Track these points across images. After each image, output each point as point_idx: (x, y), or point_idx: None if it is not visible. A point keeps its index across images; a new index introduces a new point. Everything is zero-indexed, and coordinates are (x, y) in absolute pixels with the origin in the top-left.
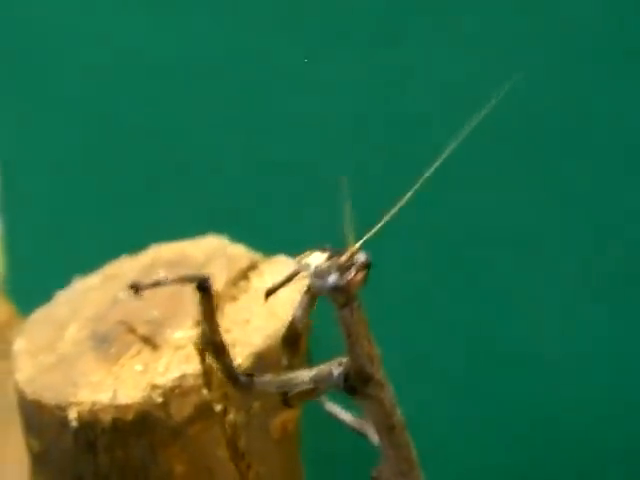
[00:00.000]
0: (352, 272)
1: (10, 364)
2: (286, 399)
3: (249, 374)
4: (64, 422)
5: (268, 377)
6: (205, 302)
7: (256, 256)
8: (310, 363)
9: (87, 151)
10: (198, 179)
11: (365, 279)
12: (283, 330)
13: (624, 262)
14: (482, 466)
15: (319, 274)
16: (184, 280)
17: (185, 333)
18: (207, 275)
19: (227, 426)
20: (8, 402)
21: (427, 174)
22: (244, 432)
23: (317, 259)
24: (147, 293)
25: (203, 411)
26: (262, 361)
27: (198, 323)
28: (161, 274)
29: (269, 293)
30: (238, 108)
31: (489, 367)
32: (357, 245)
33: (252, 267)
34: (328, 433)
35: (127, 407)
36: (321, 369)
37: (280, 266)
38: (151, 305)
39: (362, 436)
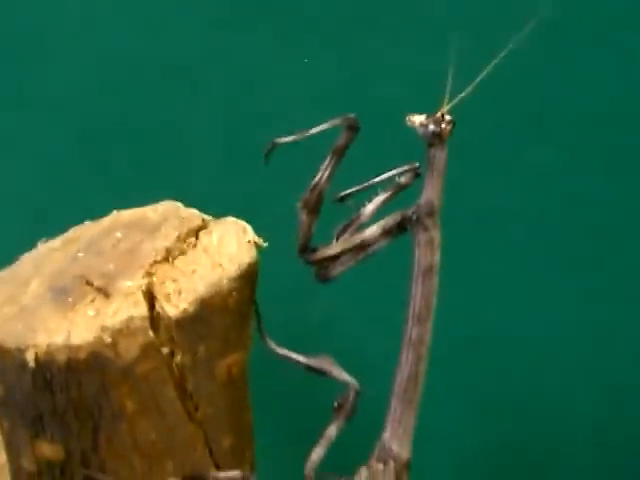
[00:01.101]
0: (444, 124)
1: None
2: (324, 274)
3: (314, 249)
4: (23, 364)
5: (333, 245)
6: (346, 139)
7: (207, 217)
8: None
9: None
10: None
11: (452, 131)
12: None
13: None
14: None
15: (423, 125)
16: (333, 124)
17: (135, 282)
18: (355, 115)
19: (175, 368)
20: None
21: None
22: (191, 374)
23: (419, 117)
24: (106, 250)
25: (149, 352)
26: (205, 307)
27: (149, 274)
28: (119, 234)
29: (342, 198)
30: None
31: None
32: (446, 108)
33: (202, 227)
34: (279, 379)
35: (79, 347)
36: (388, 217)
37: (228, 226)
38: (108, 260)
39: (320, 373)
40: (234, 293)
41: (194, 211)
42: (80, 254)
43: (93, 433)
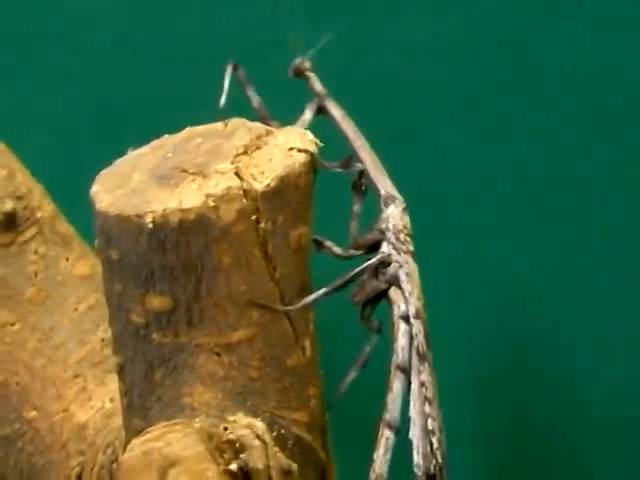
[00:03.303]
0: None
1: (61, 251)
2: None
3: None
4: (141, 228)
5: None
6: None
7: (269, 127)
8: None
9: None
10: None
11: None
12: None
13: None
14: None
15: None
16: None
17: (227, 165)
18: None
19: (260, 232)
20: (61, 279)
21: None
22: (271, 239)
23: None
24: (191, 150)
25: (242, 216)
26: (283, 184)
27: (234, 161)
28: (199, 140)
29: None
30: None
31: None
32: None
33: (268, 133)
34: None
35: (189, 210)
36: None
37: (289, 130)
38: (195, 156)
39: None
40: (303, 175)
41: (258, 123)
42: (169, 154)
43: (196, 285)
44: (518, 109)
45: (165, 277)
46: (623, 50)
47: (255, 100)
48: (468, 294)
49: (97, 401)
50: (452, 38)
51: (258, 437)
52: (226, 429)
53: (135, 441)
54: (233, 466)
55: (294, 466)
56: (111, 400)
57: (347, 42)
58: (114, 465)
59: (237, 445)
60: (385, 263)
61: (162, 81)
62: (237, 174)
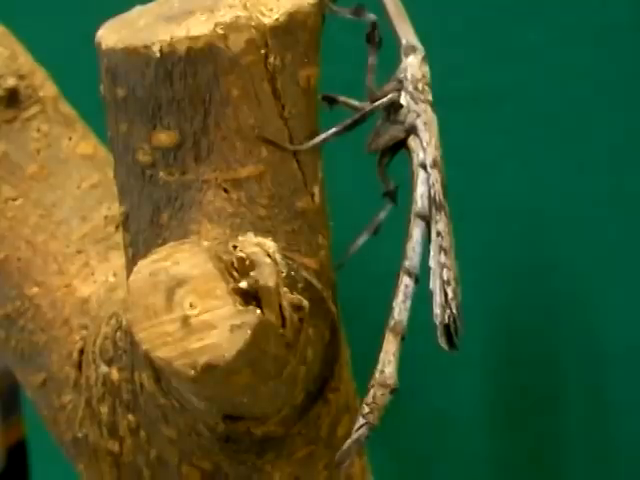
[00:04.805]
0: None
1: (64, 130)
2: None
3: None
4: (148, 58)
5: None
6: None
7: None
8: None
9: None
10: None
11: None
12: None
13: None
14: None
15: None
16: None
17: (235, 2)
18: None
19: (269, 67)
20: (64, 157)
21: None
22: (280, 76)
23: None
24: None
25: (251, 47)
26: (292, 20)
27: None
28: None
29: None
30: None
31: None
32: None
33: None
34: None
35: (197, 38)
36: None
37: None
38: (204, 2)
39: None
40: (312, 15)
41: None
42: (176, 4)
43: (204, 118)
44: (521, 31)
45: (172, 110)
46: None
47: None
48: (473, 221)
49: (100, 275)
50: None
51: (269, 255)
52: (235, 247)
53: (142, 262)
54: (243, 284)
55: (305, 302)
56: (114, 275)
57: None
58: (118, 334)
59: (247, 263)
60: (397, 104)
61: None
62: (246, 9)
